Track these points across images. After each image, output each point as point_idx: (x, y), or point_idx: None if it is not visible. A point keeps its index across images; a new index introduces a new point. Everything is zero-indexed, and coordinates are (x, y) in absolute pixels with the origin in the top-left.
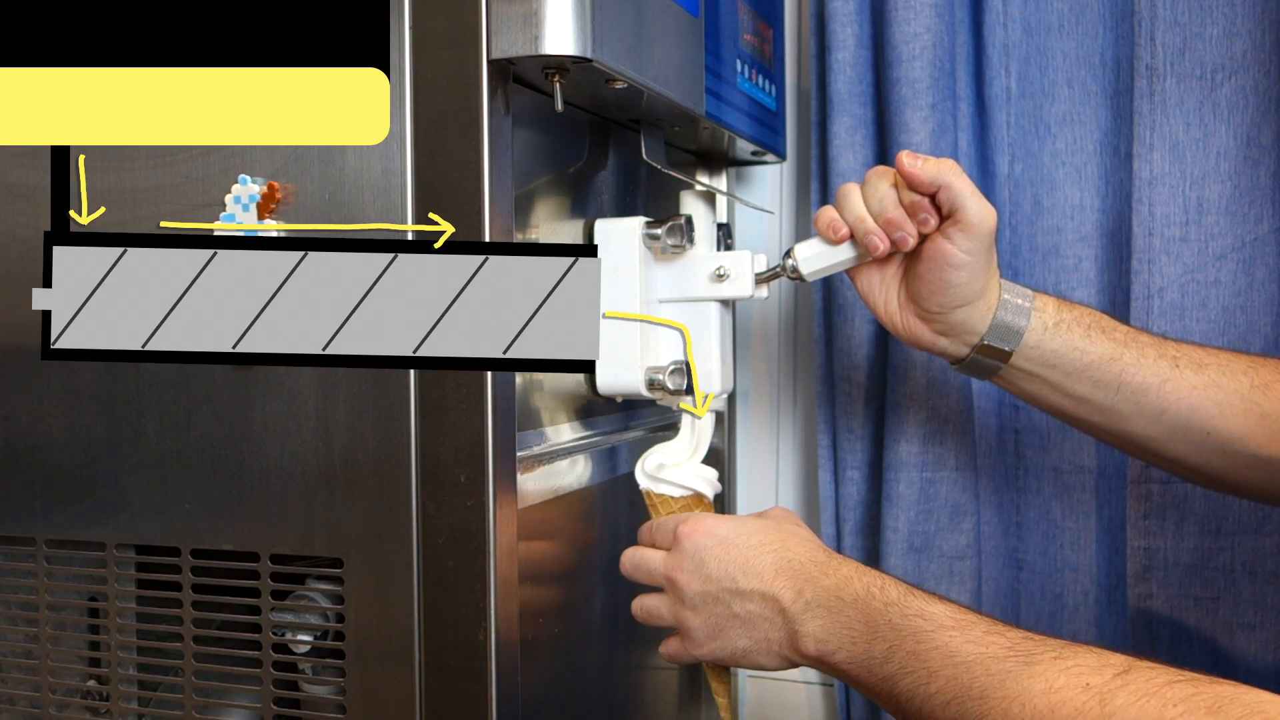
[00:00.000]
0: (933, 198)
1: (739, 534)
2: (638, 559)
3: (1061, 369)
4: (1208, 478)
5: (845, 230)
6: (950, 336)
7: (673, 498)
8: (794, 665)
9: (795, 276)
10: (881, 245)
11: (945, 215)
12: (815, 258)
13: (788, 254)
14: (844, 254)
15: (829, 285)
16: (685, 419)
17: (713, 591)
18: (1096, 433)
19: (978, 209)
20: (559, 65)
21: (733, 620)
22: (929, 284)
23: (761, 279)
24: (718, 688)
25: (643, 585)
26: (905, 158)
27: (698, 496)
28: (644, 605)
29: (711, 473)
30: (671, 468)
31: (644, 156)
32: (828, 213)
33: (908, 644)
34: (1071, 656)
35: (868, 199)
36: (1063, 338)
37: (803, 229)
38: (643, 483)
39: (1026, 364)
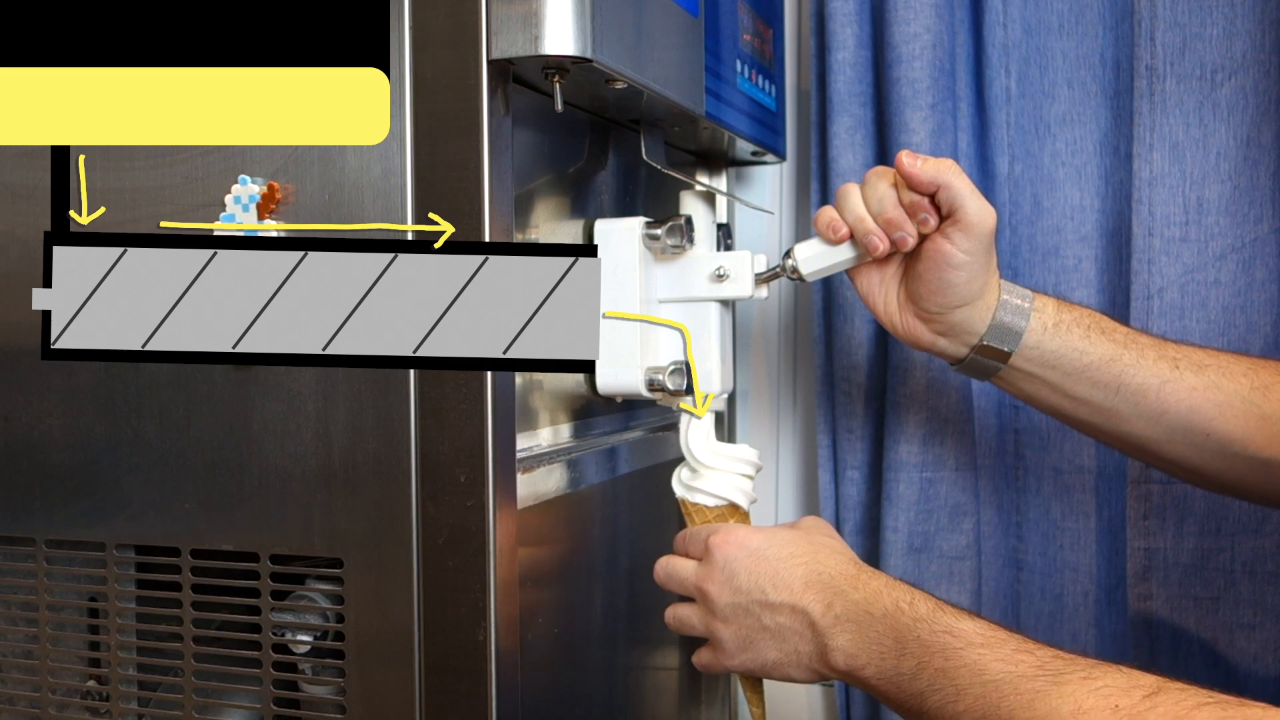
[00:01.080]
0: (932, 198)
1: (769, 546)
2: (670, 568)
3: (1061, 370)
4: (1207, 479)
5: (845, 230)
6: (949, 337)
7: (707, 507)
8: (824, 679)
9: (795, 276)
10: (881, 245)
11: (945, 215)
12: (815, 258)
13: (787, 254)
14: (844, 254)
15: (829, 285)
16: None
17: (743, 604)
18: (1096, 434)
19: (977, 208)
20: (559, 65)
21: (763, 632)
22: (928, 284)
23: (761, 279)
24: (751, 698)
25: (676, 594)
26: (905, 157)
27: (732, 506)
28: (676, 614)
29: (747, 483)
30: (707, 474)
31: (644, 157)
32: (827, 213)
33: (936, 661)
34: (1101, 677)
35: (867, 199)
36: (1062, 339)
37: (803, 229)
38: (678, 491)
39: (1026, 365)
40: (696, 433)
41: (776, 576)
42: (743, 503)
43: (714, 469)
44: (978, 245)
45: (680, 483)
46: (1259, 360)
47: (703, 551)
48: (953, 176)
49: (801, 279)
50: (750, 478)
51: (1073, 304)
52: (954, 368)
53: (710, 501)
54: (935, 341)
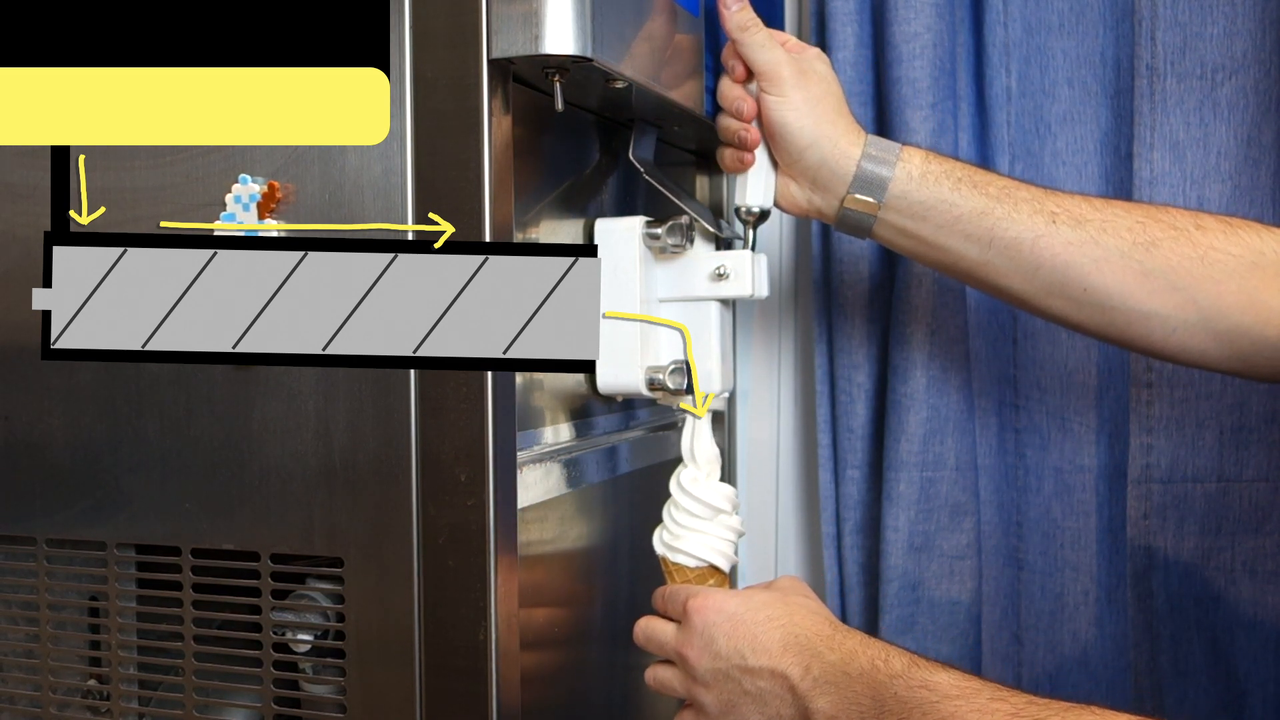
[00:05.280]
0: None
1: (747, 609)
2: (650, 631)
3: (932, 222)
4: (1090, 333)
5: (749, 149)
6: (820, 191)
7: (688, 568)
8: None
9: (757, 218)
10: (751, 135)
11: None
12: (755, 188)
13: (737, 211)
14: (763, 163)
15: (829, 285)
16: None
17: (723, 669)
18: (982, 288)
19: (766, 59)
20: (559, 65)
21: (744, 697)
22: (770, 137)
23: (751, 245)
24: None
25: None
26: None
27: (712, 568)
28: (656, 676)
29: (729, 546)
30: (688, 535)
31: (629, 156)
32: (725, 153)
33: (914, 716)
34: None
35: (726, 109)
36: (930, 189)
37: (803, 227)
38: (659, 550)
39: (897, 218)
40: (690, 477)
41: (755, 640)
42: (723, 565)
43: (696, 531)
44: (786, 86)
45: (661, 542)
46: (1154, 214)
47: (681, 614)
48: (745, 36)
49: (764, 215)
50: (732, 542)
51: (946, 156)
52: (837, 229)
53: (691, 562)
54: (811, 199)
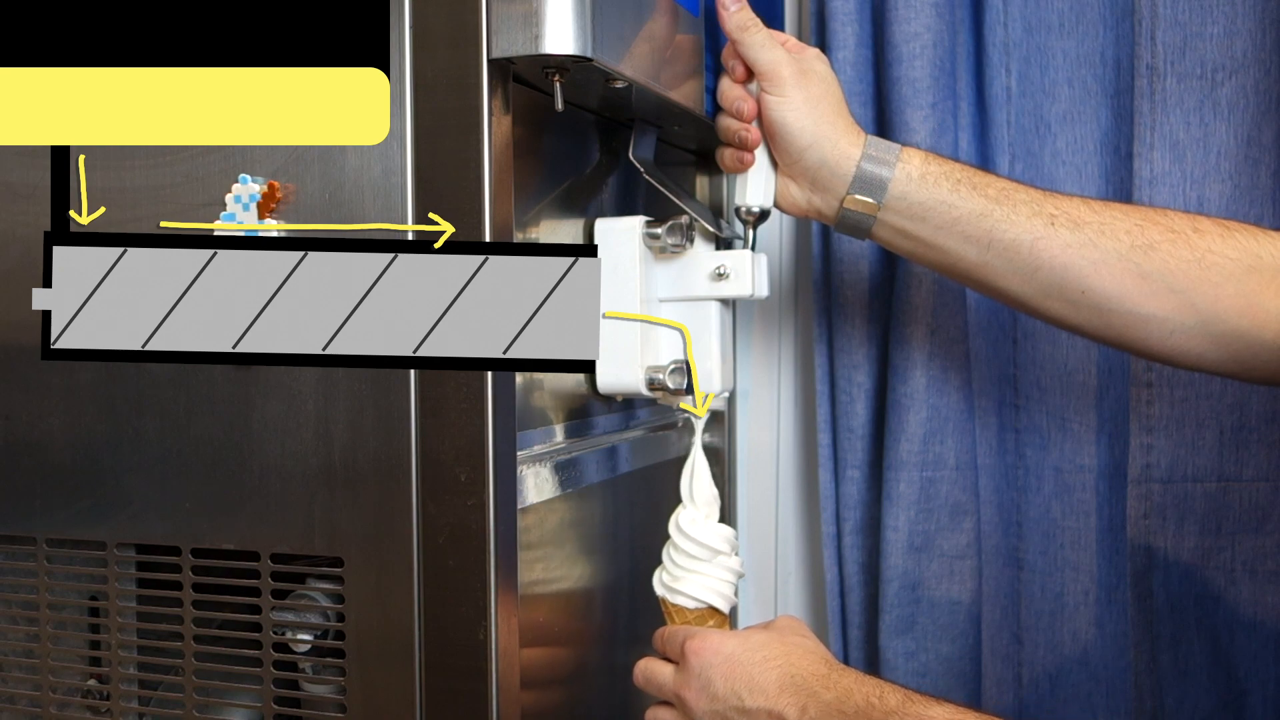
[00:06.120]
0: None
1: (744, 650)
2: (649, 672)
3: (931, 223)
4: (1089, 335)
5: (748, 150)
6: (819, 192)
7: (687, 609)
8: None
9: (759, 217)
10: (752, 135)
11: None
12: (755, 188)
13: (737, 211)
14: (763, 163)
15: (829, 285)
16: (676, 528)
17: (720, 710)
18: (981, 289)
19: (766, 58)
20: (559, 65)
21: None
22: (770, 136)
23: (750, 245)
24: None
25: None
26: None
27: (711, 609)
28: (656, 718)
29: (728, 588)
30: (687, 577)
31: (629, 155)
32: (725, 153)
33: None
34: None
35: (726, 109)
36: (929, 191)
37: (803, 227)
38: (659, 591)
39: (896, 219)
40: (689, 518)
41: (751, 681)
42: (722, 607)
43: (695, 572)
44: (786, 86)
45: (661, 583)
46: (1154, 217)
47: (679, 655)
48: (745, 36)
49: (764, 214)
50: (731, 583)
51: (945, 158)
52: (836, 229)
53: (690, 604)
54: (810, 199)
